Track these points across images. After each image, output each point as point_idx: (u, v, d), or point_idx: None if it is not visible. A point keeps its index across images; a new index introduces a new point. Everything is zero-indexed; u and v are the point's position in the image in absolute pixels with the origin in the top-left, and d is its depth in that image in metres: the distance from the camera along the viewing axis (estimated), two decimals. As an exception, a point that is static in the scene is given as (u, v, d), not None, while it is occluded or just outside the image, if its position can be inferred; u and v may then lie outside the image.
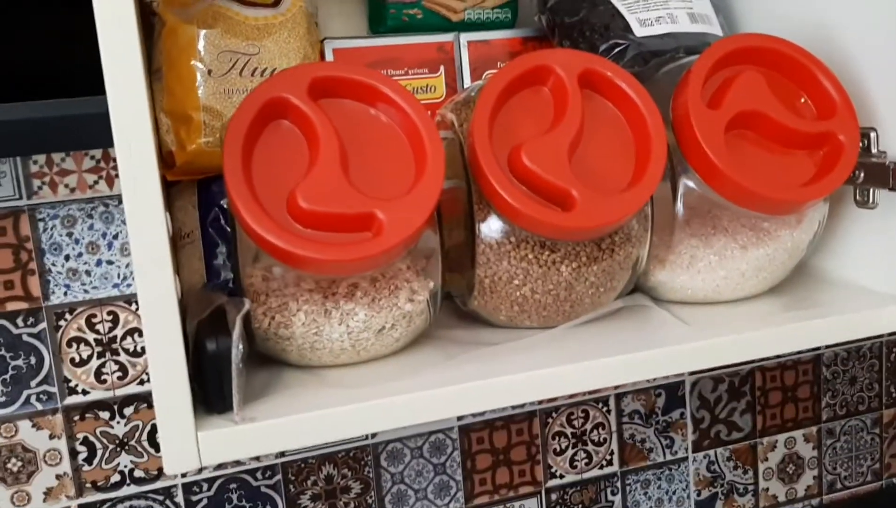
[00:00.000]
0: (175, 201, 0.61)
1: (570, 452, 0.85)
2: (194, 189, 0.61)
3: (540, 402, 0.82)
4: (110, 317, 0.70)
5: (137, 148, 0.41)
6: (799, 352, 0.91)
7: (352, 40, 0.63)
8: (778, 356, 0.90)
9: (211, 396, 0.44)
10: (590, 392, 0.84)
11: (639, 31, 0.60)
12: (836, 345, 0.92)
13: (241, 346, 0.42)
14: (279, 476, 0.75)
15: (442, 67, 0.65)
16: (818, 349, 0.92)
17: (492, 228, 0.52)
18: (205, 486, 0.74)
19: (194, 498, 0.73)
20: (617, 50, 0.60)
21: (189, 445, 0.42)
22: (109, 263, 0.69)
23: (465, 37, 0.65)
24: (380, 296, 0.49)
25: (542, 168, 0.49)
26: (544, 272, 0.52)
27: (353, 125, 0.48)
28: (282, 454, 0.75)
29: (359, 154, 0.47)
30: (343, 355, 0.50)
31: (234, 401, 0.43)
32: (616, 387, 0.85)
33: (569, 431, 0.84)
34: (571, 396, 0.83)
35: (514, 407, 0.82)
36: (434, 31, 0.65)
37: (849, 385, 0.94)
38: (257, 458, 0.74)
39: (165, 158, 0.59)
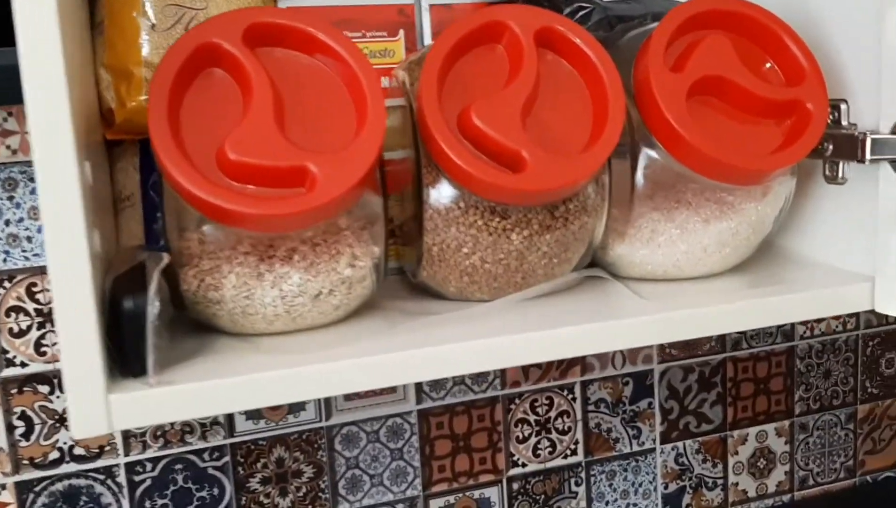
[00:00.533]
0: (116, 163, 0.59)
1: (533, 440, 0.82)
2: (136, 151, 0.58)
3: (503, 387, 0.80)
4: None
5: (49, 99, 0.38)
6: (773, 343, 0.89)
7: (306, -1, 0.60)
8: (750, 347, 0.88)
9: (128, 357, 0.41)
10: (555, 379, 0.81)
11: (604, -5, 0.58)
12: (811, 337, 0.90)
13: (157, 303, 0.39)
14: (227, 458, 0.73)
15: (402, 31, 0.62)
16: (792, 340, 0.89)
17: (440, 192, 0.49)
18: (148, 466, 0.71)
19: (137, 478, 0.71)
20: (581, 13, 0.57)
21: (98, 408, 0.39)
22: (52, 229, 0.66)
23: (426, 0, 0.62)
24: (319, 260, 0.47)
25: (492, 128, 0.46)
26: (494, 240, 0.50)
27: (293, 76, 0.45)
28: (230, 434, 0.72)
29: (298, 107, 0.45)
30: (278, 321, 0.48)
31: (148, 362, 0.40)
32: (582, 374, 0.82)
33: (532, 418, 0.82)
34: (535, 382, 0.81)
35: (475, 391, 0.79)
36: (397, -6, 0.62)
37: (823, 379, 0.91)
38: (204, 438, 0.72)
39: (105, 116, 0.56)
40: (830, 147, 0.53)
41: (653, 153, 0.52)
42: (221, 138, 0.42)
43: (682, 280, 0.56)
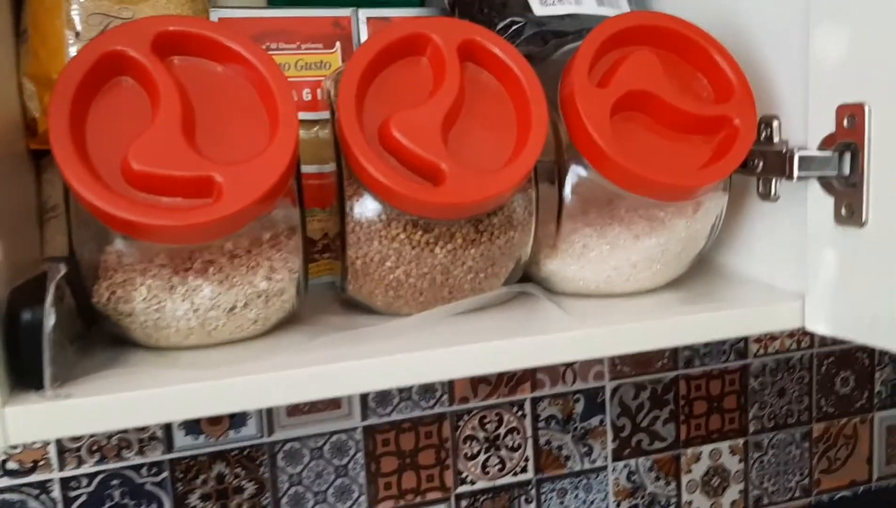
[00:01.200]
0: (43, 173, 0.58)
1: (482, 457, 0.81)
2: (65, 161, 0.57)
3: (451, 403, 0.79)
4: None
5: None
6: (726, 360, 0.88)
7: (240, 10, 0.60)
8: (703, 364, 0.87)
9: (26, 370, 0.40)
10: (504, 395, 0.81)
11: (538, 9, 0.57)
12: (765, 355, 0.89)
13: (52, 314, 0.38)
14: (166, 473, 0.71)
15: (338, 44, 0.62)
16: (745, 358, 0.89)
17: (361, 205, 0.49)
18: (84, 481, 0.69)
19: (72, 494, 0.69)
20: (514, 28, 0.57)
21: (-8, 421, 0.39)
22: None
23: (364, 13, 0.62)
24: (235, 273, 0.46)
25: (411, 140, 0.46)
26: (417, 254, 0.49)
27: (206, 86, 0.45)
28: (169, 449, 0.71)
29: (210, 117, 0.44)
30: (192, 335, 0.47)
31: (45, 375, 0.39)
32: (532, 390, 0.81)
33: (481, 435, 0.81)
34: (484, 398, 0.80)
35: (422, 407, 0.78)
36: (335, 5, 0.62)
37: (777, 397, 0.91)
38: (142, 453, 0.70)
39: (29, 126, 0.55)
40: (761, 164, 0.53)
41: (582, 170, 0.52)
42: (128, 149, 0.42)
43: (614, 296, 0.55)
